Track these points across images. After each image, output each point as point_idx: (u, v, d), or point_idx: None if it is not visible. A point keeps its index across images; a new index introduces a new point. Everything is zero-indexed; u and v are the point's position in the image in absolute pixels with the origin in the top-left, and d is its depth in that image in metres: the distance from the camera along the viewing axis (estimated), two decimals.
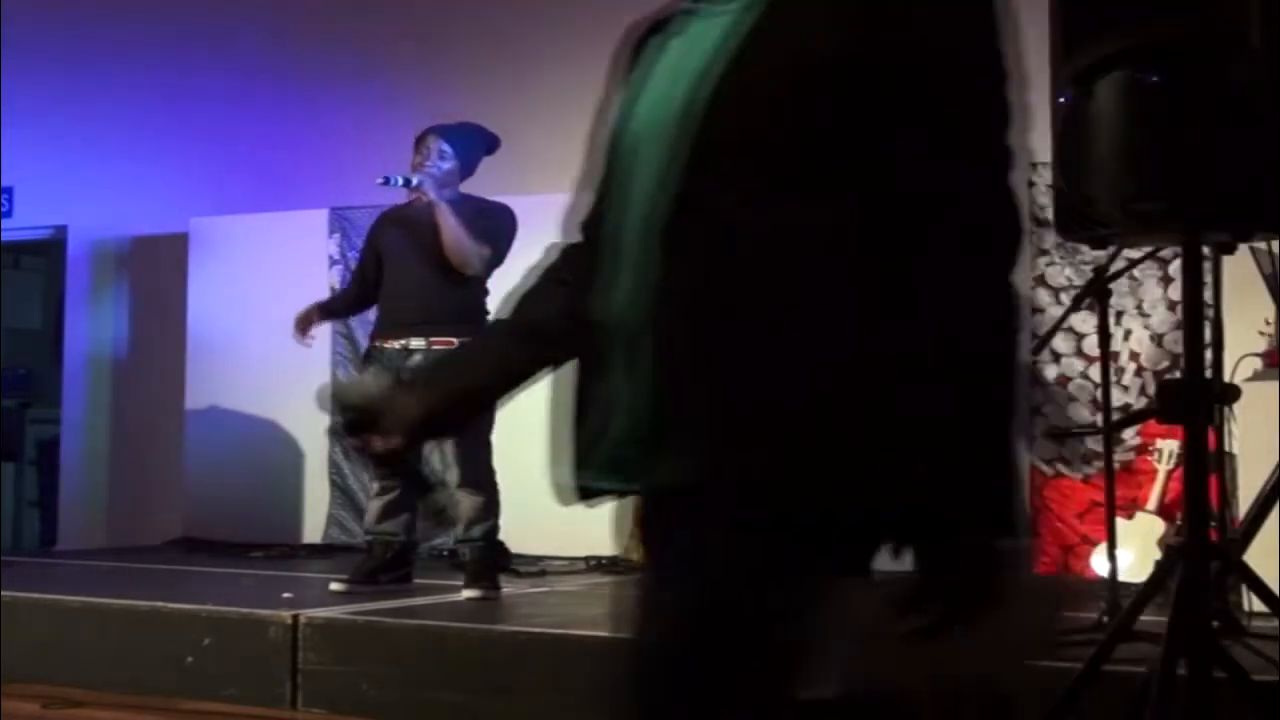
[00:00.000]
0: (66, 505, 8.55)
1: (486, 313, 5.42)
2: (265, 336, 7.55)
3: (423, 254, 5.32)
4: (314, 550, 7.21)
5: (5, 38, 8.23)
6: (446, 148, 5.38)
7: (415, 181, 5.26)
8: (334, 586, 5.26)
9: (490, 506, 5.29)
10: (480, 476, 5.27)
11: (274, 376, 7.50)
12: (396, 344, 5.32)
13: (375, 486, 5.48)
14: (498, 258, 5.34)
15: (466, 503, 5.27)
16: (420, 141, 5.44)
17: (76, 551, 7.62)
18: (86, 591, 5.13)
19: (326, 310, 5.91)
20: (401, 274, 5.40)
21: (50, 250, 9.26)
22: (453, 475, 5.28)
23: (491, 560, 5.30)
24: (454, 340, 5.27)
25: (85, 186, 8.50)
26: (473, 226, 5.26)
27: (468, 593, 5.16)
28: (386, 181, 5.31)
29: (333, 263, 7.49)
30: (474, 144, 5.50)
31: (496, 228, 5.38)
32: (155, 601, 4.77)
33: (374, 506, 5.47)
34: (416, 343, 5.28)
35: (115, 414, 8.43)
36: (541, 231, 6.67)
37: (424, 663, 4.23)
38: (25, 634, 4.83)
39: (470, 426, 5.19)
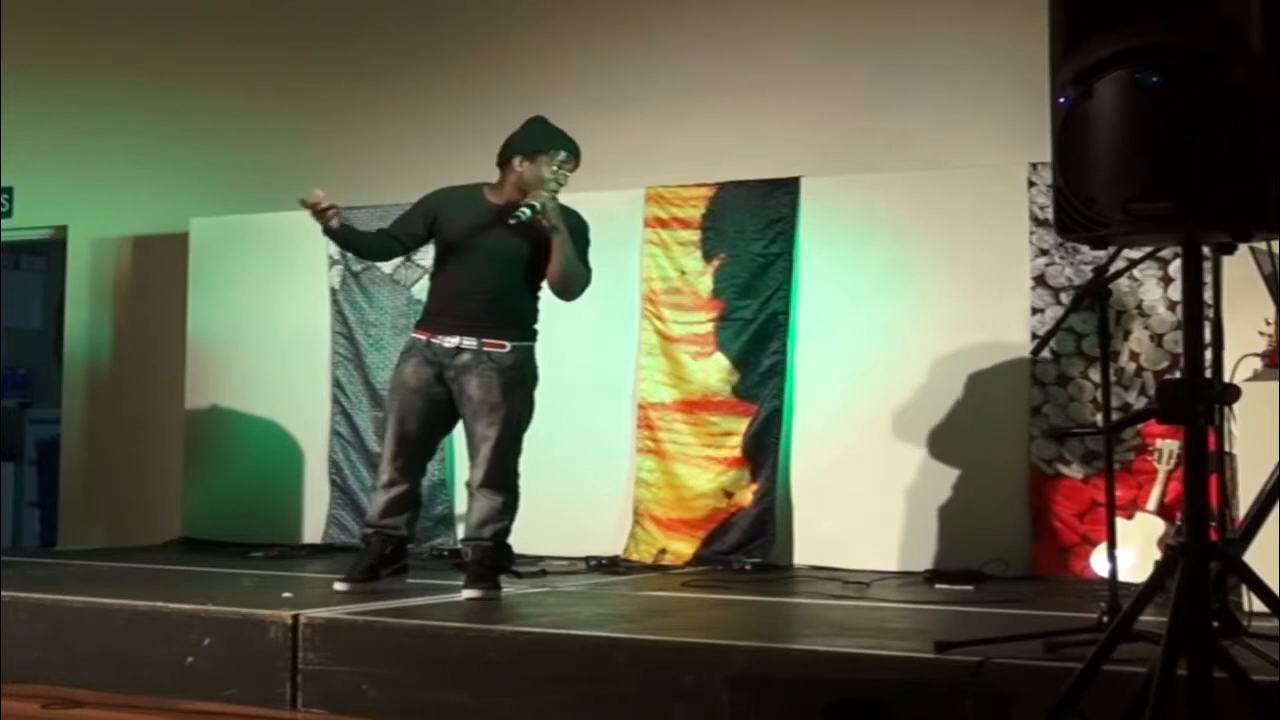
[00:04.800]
0: (66, 505, 8.56)
1: (538, 317, 5.36)
2: (265, 336, 7.57)
3: (500, 258, 5.21)
4: (314, 550, 7.22)
5: (6, 38, 8.23)
6: (567, 159, 5.23)
7: (539, 207, 5.09)
8: (338, 586, 5.24)
9: (507, 508, 5.25)
10: (504, 478, 5.23)
11: (274, 376, 7.51)
12: (448, 341, 5.20)
13: (384, 478, 5.36)
14: (591, 276, 5.30)
15: (482, 502, 5.25)
16: (544, 153, 5.22)
17: (76, 551, 7.62)
18: (86, 591, 5.12)
19: (336, 231, 5.22)
20: (471, 270, 5.24)
21: (50, 250, 9.27)
22: (476, 475, 5.23)
23: (494, 562, 5.28)
24: (505, 344, 5.20)
25: (85, 186, 8.51)
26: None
27: (468, 593, 5.14)
28: (517, 219, 5.07)
29: (333, 263, 7.48)
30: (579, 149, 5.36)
31: (586, 244, 5.30)
32: (155, 601, 4.76)
33: (380, 499, 5.37)
34: (468, 342, 5.19)
35: (115, 414, 8.43)
36: None
37: (424, 663, 4.23)
38: (25, 634, 4.83)
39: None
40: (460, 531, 6.43)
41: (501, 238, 5.19)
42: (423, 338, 5.30)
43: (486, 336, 5.20)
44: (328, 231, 5.19)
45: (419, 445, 5.37)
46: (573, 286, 5.23)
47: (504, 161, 5.31)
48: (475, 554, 5.27)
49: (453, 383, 5.23)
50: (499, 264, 5.22)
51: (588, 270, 5.27)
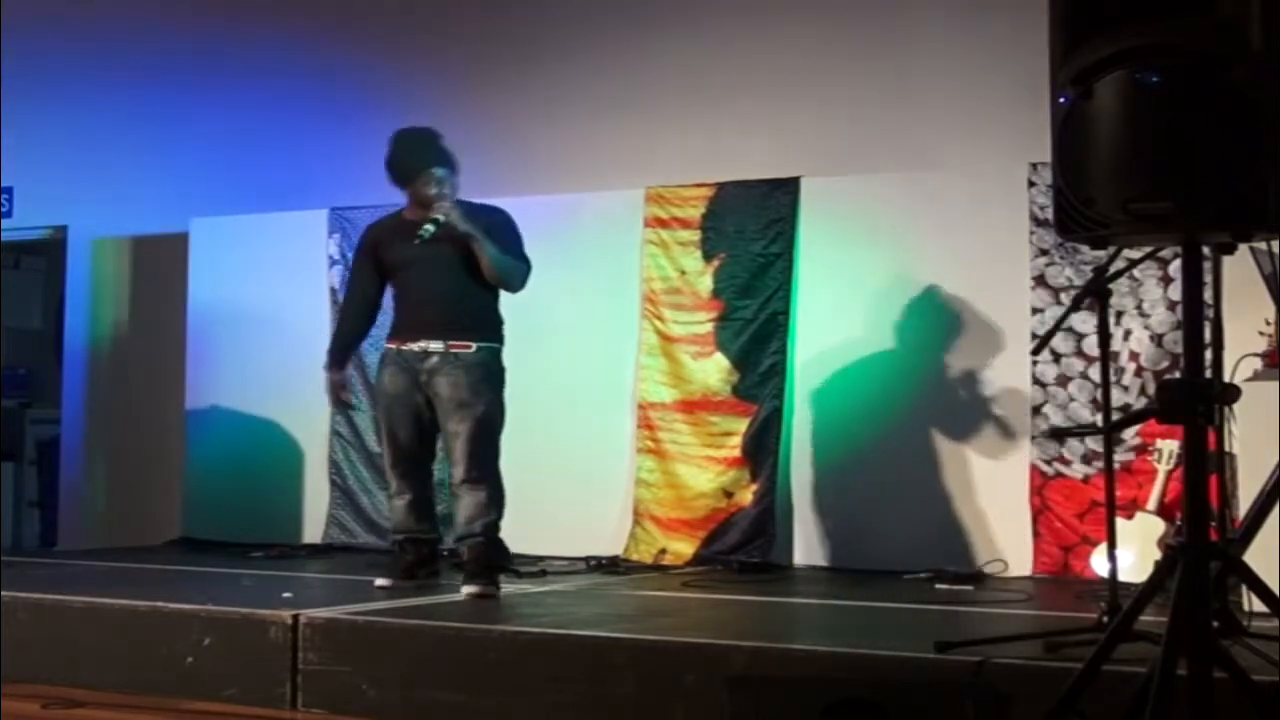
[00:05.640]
0: (66, 505, 8.56)
1: (500, 317, 5.45)
2: (265, 336, 7.57)
3: (443, 265, 5.31)
4: (314, 550, 7.22)
5: (6, 38, 8.23)
6: (445, 174, 5.36)
7: (443, 219, 5.23)
8: (379, 583, 5.36)
9: (493, 501, 5.31)
10: (483, 472, 5.29)
11: (274, 376, 7.51)
12: (415, 346, 5.35)
13: (391, 488, 5.53)
14: (529, 266, 5.41)
15: (467, 499, 5.29)
16: (420, 178, 5.34)
17: (76, 551, 7.62)
18: (86, 591, 5.13)
19: (340, 360, 5.67)
20: (419, 283, 5.40)
21: (50, 250, 9.26)
22: (457, 473, 5.32)
23: (490, 557, 5.31)
24: (470, 344, 5.31)
25: (85, 186, 8.50)
26: (498, 243, 5.29)
27: (466, 589, 5.17)
28: (421, 239, 5.23)
29: (332, 263, 7.49)
30: (451, 152, 5.48)
31: (515, 237, 5.42)
32: (155, 601, 4.77)
33: (396, 508, 5.51)
34: (434, 345, 5.32)
35: (115, 414, 8.43)
36: (545, 231, 6.66)
37: (424, 663, 4.23)
38: (25, 634, 4.84)
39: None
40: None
41: (433, 247, 5.29)
42: (394, 346, 5.44)
43: (451, 339, 5.31)
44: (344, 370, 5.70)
45: (414, 451, 5.45)
46: (510, 280, 5.36)
47: (395, 183, 5.45)
48: (470, 551, 5.31)
49: (426, 386, 5.35)
50: (441, 271, 5.33)
51: (523, 261, 5.39)
